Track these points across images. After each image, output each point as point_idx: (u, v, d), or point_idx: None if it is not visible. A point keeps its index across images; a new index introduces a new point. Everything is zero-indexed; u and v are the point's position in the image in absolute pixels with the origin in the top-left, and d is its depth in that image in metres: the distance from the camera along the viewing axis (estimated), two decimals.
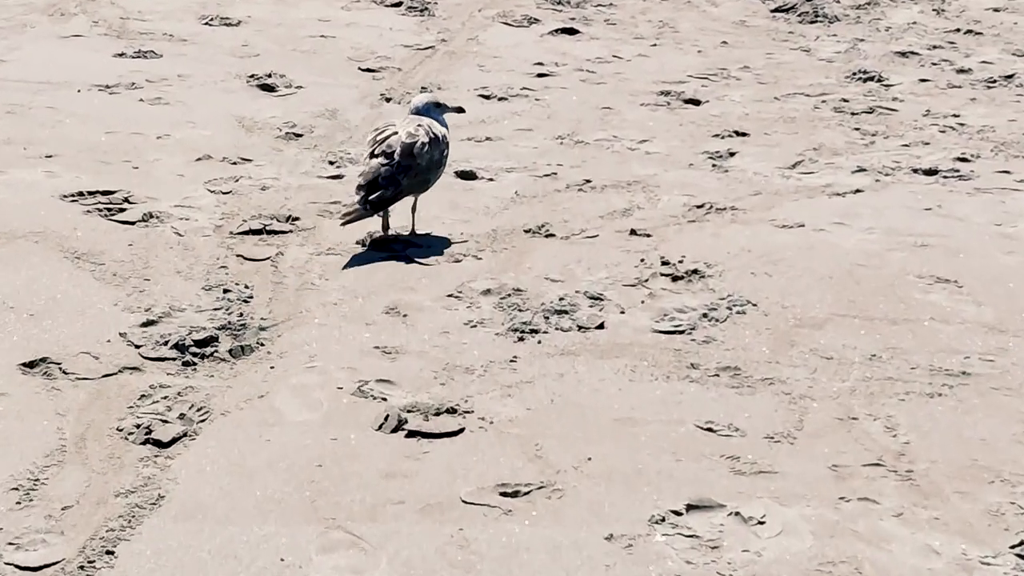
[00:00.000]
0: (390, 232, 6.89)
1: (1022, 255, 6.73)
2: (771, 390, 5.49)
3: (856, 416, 5.29)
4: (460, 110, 7.27)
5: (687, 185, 7.78)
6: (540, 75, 9.91)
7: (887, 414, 5.30)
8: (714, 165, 8.15)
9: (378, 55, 10.38)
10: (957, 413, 5.32)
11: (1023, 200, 7.48)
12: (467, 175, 7.82)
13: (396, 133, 6.72)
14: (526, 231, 7.08)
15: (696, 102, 9.42)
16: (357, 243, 6.89)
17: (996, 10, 12.04)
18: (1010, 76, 9.95)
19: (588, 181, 7.83)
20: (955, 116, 9.08)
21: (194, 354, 5.70)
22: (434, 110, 6.99)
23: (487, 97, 9.40)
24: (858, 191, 7.66)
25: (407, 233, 6.95)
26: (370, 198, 6.60)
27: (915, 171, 8.00)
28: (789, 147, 8.48)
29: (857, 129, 8.84)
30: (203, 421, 5.20)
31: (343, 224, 6.74)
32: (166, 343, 5.76)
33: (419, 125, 6.75)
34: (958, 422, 5.25)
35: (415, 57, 10.41)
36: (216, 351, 5.74)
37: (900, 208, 7.37)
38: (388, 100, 9.30)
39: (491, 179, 7.72)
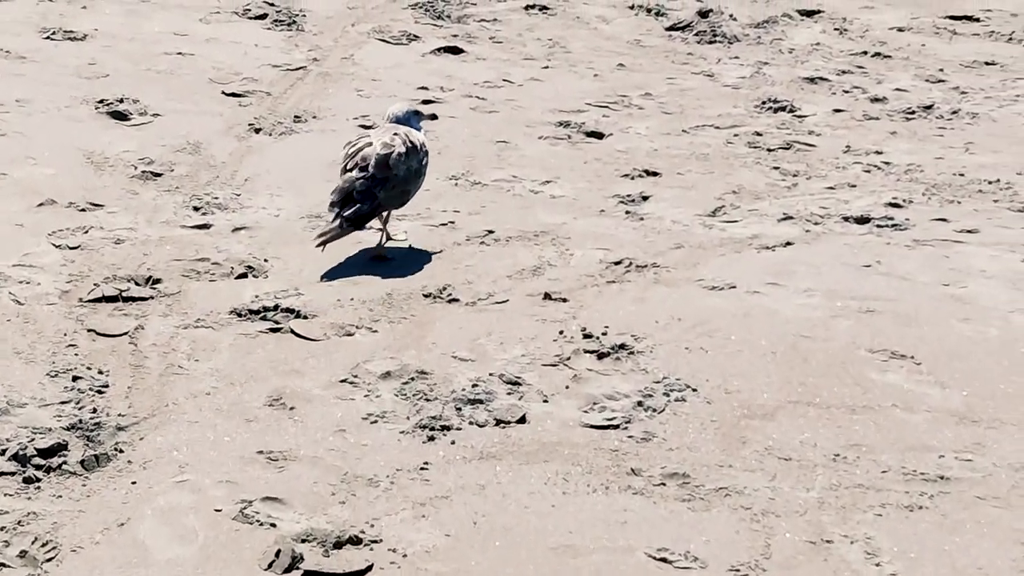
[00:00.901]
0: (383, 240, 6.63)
1: (978, 323, 6.11)
2: (728, 504, 4.76)
3: (830, 538, 4.59)
4: (433, 116, 7.12)
5: (601, 237, 7.03)
6: (425, 101, 9.07)
7: (865, 534, 4.61)
8: (628, 212, 7.42)
9: (243, 76, 9.44)
10: (943, 531, 4.65)
11: (967, 255, 6.88)
12: None
13: (370, 144, 6.43)
14: (425, 295, 6.26)
15: (599, 135, 8.69)
16: (232, 312, 5.99)
17: (900, 30, 11.55)
18: (929, 107, 9.41)
19: (491, 232, 7.03)
20: (878, 153, 8.49)
21: (38, 467, 4.76)
22: (413, 118, 6.73)
23: (369, 127, 8.54)
24: (788, 244, 6.99)
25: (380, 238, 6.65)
26: (345, 214, 6.26)
27: (846, 219, 7.36)
28: (706, 190, 7.79)
29: (776, 168, 8.19)
30: (50, 560, 4.28)
31: (319, 245, 6.32)
32: (3, 452, 4.81)
33: (395, 134, 6.47)
34: (946, 544, 4.58)
35: (285, 79, 9.49)
36: (65, 462, 4.81)
37: (837, 265, 6.72)
38: (258, 131, 8.38)
39: (380, 228, 6.88)
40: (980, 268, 6.68)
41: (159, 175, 7.61)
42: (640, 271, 6.60)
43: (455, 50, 10.45)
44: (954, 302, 6.34)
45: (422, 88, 9.43)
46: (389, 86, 9.48)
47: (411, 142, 6.48)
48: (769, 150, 8.50)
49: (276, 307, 6.05)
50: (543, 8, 11.80)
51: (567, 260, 6.73)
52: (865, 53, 10.81)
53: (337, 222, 6.29)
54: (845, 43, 11.15)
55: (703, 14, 11.62)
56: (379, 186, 6.32)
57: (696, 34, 11.16)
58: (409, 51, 10.44)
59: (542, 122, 8.90)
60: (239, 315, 6.00)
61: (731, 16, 11.67)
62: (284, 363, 5.61)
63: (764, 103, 9.42)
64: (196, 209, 7.16)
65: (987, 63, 10.60)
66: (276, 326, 5.91)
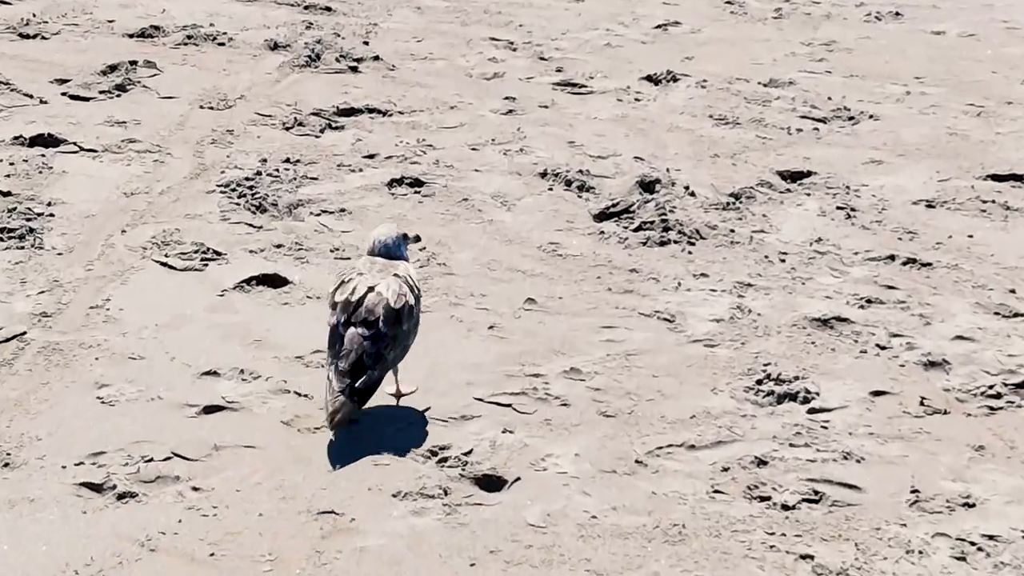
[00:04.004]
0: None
1: None
2: None
3: None
4: (417, 239, 6.13)
5: None
6: (209, 409, 5.57)
7: None
8: None
9: None
10: None
11: None
12: None
13: (372, 290, 5.50)
14: None
15: (495, 482, 5.22)
16: None
17: (930, 205, 8.23)
18: (1021, 385, 6.05)
19: None
20: (969, 507, 5.10)
21: None
22: (403, 244, 5.88)
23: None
24: None
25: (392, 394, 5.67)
26: (357, 385, 5.36)
27: None
28: None
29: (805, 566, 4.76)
30: None
31: (333, 427, 5.36)
32: None
33: (396, 276, 5.61)
34: None
35: None
36: None
37: None
38: None
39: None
40: None
41: None
42: None
43: (277, 281, 6.95)
44: None
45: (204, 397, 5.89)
46: (158, 369, 5.97)
47: (416, 286, 5.71)
48: (785, 515, 5.06)
49: None
50: (415, 184, 8.34)
51: None
52: (892, 259, 7.43)
53: (346, 396, 5.35)
54: (857, 235, 7.78)
55: (647, 186, 8.21)
56: (388, 346, 5.48)
57: (639, 227, 7.73)
58: (204, 282, 6.92)
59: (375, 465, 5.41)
60: None
61: (686, 189, 8.26)
62: None
63: (758, 385, 6.00)
64: None
65: None
66: None
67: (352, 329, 5.44)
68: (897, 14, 13.28)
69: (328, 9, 12.79)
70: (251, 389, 5.88)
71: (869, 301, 6.91)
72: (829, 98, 10.39)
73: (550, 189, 8.40)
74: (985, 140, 9.49)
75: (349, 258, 7.25)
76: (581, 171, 8.59)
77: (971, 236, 7.79)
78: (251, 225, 7.64)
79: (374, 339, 5.43)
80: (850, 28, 12.78)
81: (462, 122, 9.61)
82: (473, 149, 9.08)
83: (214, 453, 5.39)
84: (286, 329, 6.44)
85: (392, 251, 5.78)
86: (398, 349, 5.54)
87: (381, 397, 5.68)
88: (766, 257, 7.45)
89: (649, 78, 10.79)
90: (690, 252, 7.51)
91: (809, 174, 8.74)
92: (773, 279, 7.18)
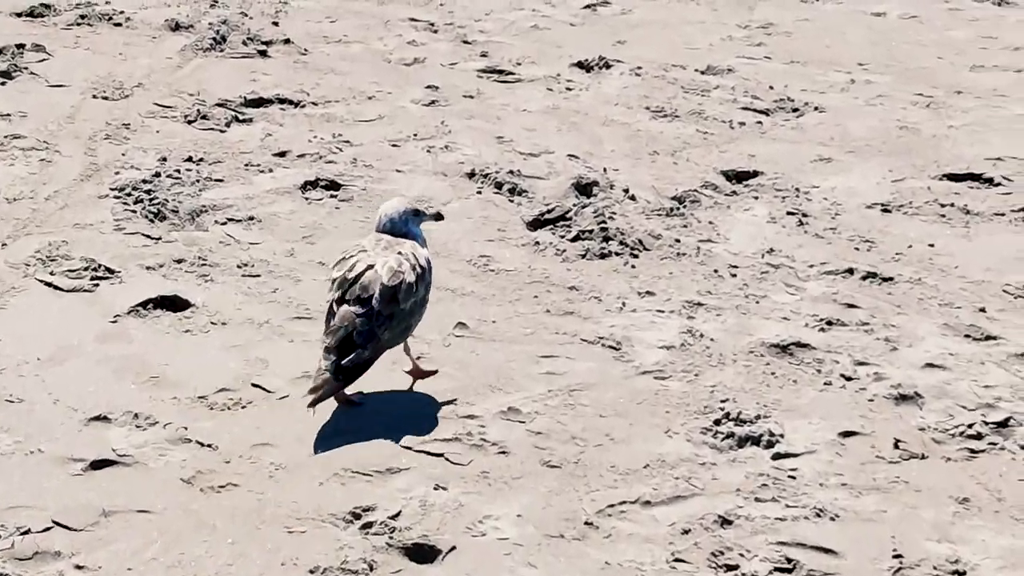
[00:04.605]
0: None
1: None
2: None
3: None
4: (439, 216, 5.91)
5: None
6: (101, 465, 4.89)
7: None
8: None
9: None
10: None
11: None
12: None
13: (372, 267, 5.29)
14: None
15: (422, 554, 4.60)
16: None
17: (885, 209, 7.70)
18: (1003, 424, 5.53)
19: None
20: None
21: None
22: (412, 220, 5.55)
23: None
24: None
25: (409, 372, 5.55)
26: (343, 362, 5.17)
27: None
28: None
29: None
30: None
31: (311, 405, 5.16)
32: None
33: (399, 253, 5.36)
34: None
35: None
36: None
37: None
38: None
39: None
40: None
41: None
42: None
43: (178, 303, 6.27)
44: None
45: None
46: (39, 415, 5.27)
47: (420, 265, 5.43)
48: None
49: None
50: (331, 186, 7.67)
51: None
52: (851, 272, 6.90)
53: (331, 374, 5.14)
54: (811, 244, 7.24)
55: (584, 189, 7.61)
56: (383, 324, 5.25)
57: (577, 237, 7.13)
58: (94, 305, 6.21)
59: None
60: None
61: (625, 192, 7.67)
62: None
63: (716, 425, 5.44)
64: None
65: None
66: None
67: (345, 306, 5.26)
68: None
69: None
70: (146, 439, 5.21)
71: (829, 323, 6.36)
72: (771, 87, 9.84)
73: (479, 192, 7.77)
74: (937, 135, 8.99)
75: (259, 275, 6.58)
76: (512, 171, 7.96)
77: (932, 245, 7.27)
78: (148, 236, 6.93)
79: (367, 317, 5.23)
80: (787, 9, 12.23)
81: (381, 114, 8.94)
82: (394, 145, 8.41)
83: (102, 520, 4.72)
84: (187, 363, 5.76)
85: (398, 227, 5.52)
86: (396, 329, 5.33)
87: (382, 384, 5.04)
88: (715, 271, 6.88)
89: (580, 64, 10.18)
90: (633, 266, 6.91)
91: (755, 174, 8.18)
92: (725, 297, 6.60)
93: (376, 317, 5.25)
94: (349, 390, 5.39)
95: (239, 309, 6.24)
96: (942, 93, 9.87)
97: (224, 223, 7.14)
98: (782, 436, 5.38)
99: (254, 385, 5.61)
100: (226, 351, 5.87)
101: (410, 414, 5.44)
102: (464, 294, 6.54)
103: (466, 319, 6.26)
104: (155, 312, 6.19)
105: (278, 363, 5.78)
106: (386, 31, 10.88)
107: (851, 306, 6.55)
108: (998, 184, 8.12)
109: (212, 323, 6.12)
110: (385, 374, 5.68)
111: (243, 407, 5.45)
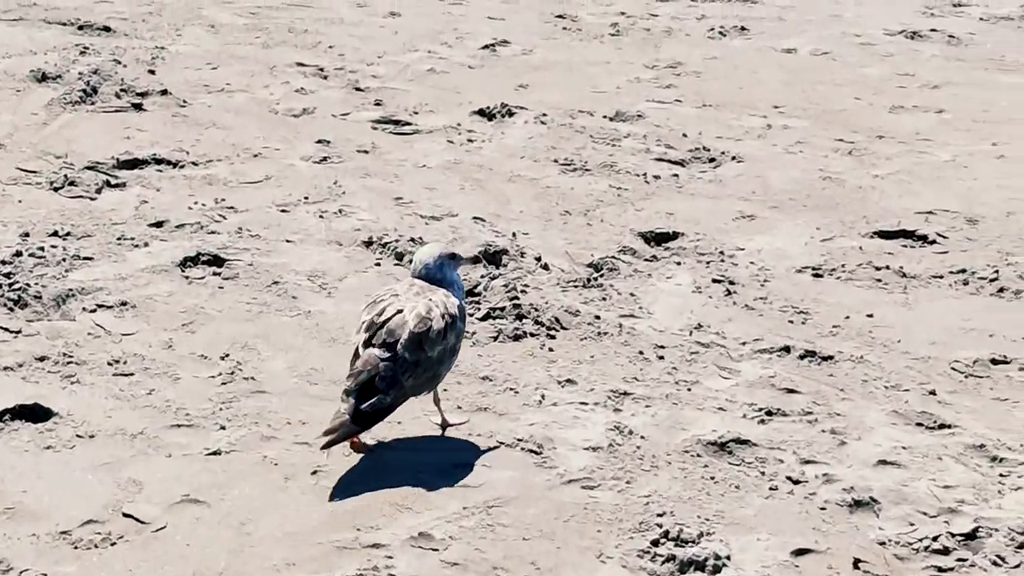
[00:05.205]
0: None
1: None
2: None
3: None
4: (477, 260, 6.05)
5: None
6: None
7: None
8: None
9: None
10: None
11: None
12: None
13: (401, 312, 5.23)
14: None
15: None
16: None
17: (817, 274, 7.20)
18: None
19: None
20: None
21: None
22: (448, 265, 5.44)
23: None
24: None
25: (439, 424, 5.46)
26: (362, 407, 5.05)
27: None
28: None
29: None
30: None
31: (325, 447, 5.07)
32: None
33: (430, 300, 5.29)
34: None
35: None
36: None
37: None
38: None
39: None
40: None
41: None
42: None
43: (38, 413, 5.54)
44: None
45: None
46: None
47: (450, 313, 5.29)
48: None
49: None
50: (214, 261, 6.98)
51: None
52: (787, 351, 6.37)
53: (349, 417, 5.02)
54: (741, 318, 6.70)
55: (492, 258, 7.03)
56: (408, 371, 5.14)
57: (487, 315, 6.52)
58: None
59: None
60: None
61: (537, 260, 7.09)
62: None
63: (654, 547, 4.85)
64: None
65: (994, 361, 6.34)
66: None
67: (370, 349, 5.18)
68: (742, 28, 12.33)
69: (107, 29, 11.24)
70: None
71: (769, 412, 5.81)
72: (684, 135, 9.33)
73: (377, 264, 7.13)
74: (864, 185, 8.54)
75: (132, 374, 5.88)
76: (413, 239, 7.34)
77: (871, 316, 6.77)
78: (6, 329, 6.19)
79: (391, 361, 5.13)
80: (694, 46, 11.77)
81: (268, 174, 8.27)
82: (283, 211, 7.75)
83: None
84: (49, 487, 5.05)
85: (433, 273, 5.42)
86: (422, 378, 5.23)
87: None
88: (641, 353, 6.31)
89: (481, 112, 9.60)
90: (551, 348, 6.32)
91: (676, 235, 7.65)
92: (653, 384, 6.03)
93: (401, 363, 5.14)
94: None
95: (109, 417, 5.53)
96: (863, 138, 9.45)
97: (93, 310, 6.42)
98: (729, 559, 4.81)
99: (125, 515, 4.90)
100: (94, 471, 5.16)
101: (305, 546, 4.77)
102: None
103: None
104: (12, 424, 5.46)
105: (153, 485, 5.09)
106: (272, 78, 10.21)
107: (791, 391, 6.01)
108: (933, 242, 7.68)
109: (78, 435, 5.40)
110: (272, 494, 5.01)
111: (112, 543, 4.75)
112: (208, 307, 6.56)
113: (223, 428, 5.51)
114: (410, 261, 7.07)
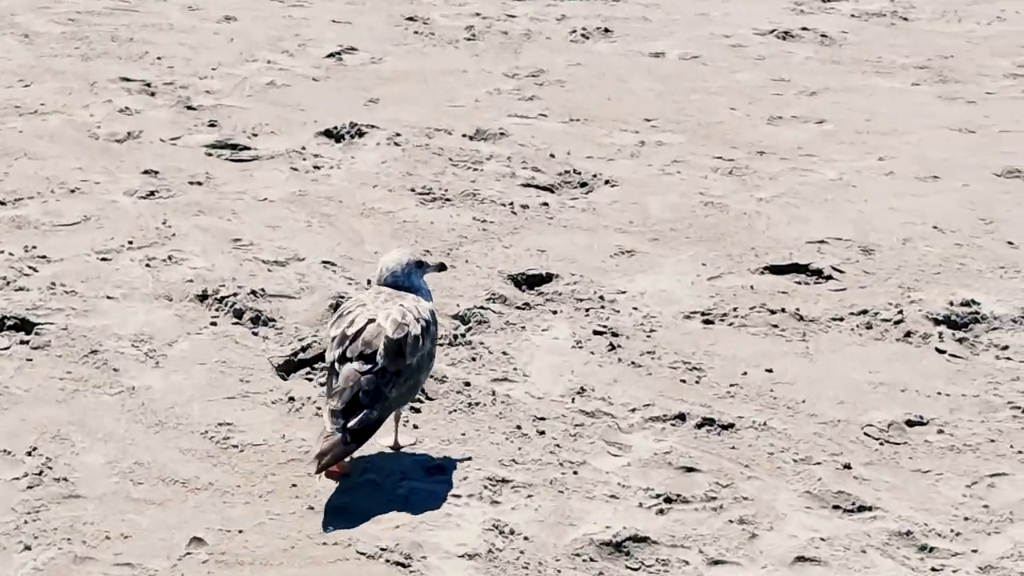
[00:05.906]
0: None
1: None
2: None
3: None
4: (442, 267, 5.74)
5: None
6: None
7: None
8: None
9: None
10: None
11: None
12: None
13: (373, 321, 5.08)
14: None
15: None
16: None
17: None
18: None
19: None
20: None
21: None
22: (415, 273, 5.39)
23: None
24: None
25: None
26: (349, 426, 4.92)
27: None
28: None
29: None
30: None
31: (318, 472, 4.93)
32: None
33: (402, 306, 5.17)
34: None
35: None
36: None
37: None
38: None
39: None
40: None
41: None
42: None
43: None
44: None
45: None
46: None
47: (424, 318, 5.19)
48: None
49: None
50: (21, 326, 6.07)
51: None
52: (682, 419, 5.70)
53: (340, 436, 4.89)
54: (628, 378, 6.02)
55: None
56: (390, 383, 5.02)
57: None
58: None
59: None
60: None
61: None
62: None
63: None
64: None
65: (910, 423, 5.75)
66: None
67: (348, 365, 5.02)
68: (606, 30, 11.67)
69: None
70: None
71: (668, 499, 5.13)
72: (552, 155, 8.63)
73: (214, 323, 6.29)
74: (748, 211, 7.92)
75: None
76: (254, 291, 6.53)
77: (770, 371, 6.14)
78: None
79: (372, 374, 5.00)
80: (556, 51, 11.08)
81: (87, 215, 7.36)
82: (103, 259, 6.86)
83: None
84: None
85: (401, 281, 5.33)
86: (404, 387, 5.10)
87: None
88: (518, 428, 5.58)
89: (328, 133, 8.79)
90: (416, 426, 5.56)
91: (549, 277, 6.95)
92: (534, 467, 5.31)
93: (381, 374, 5.02)
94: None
95: None
96: (743, 154, 8.84)
97: None
98: None
99: None
100: None
101: None
102: (199, 488, 5.08)
103: (203, 530, 4.80)
104: None
105: None
106: (93, 96, 9.25)
107: (690, 469, 5.34)
108: (829, 277, 7.09)
109: None
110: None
111: None
112: (13, 386, 5.67)
113: (28, 548, 4.65)
114: (252, 319, 6.29)
